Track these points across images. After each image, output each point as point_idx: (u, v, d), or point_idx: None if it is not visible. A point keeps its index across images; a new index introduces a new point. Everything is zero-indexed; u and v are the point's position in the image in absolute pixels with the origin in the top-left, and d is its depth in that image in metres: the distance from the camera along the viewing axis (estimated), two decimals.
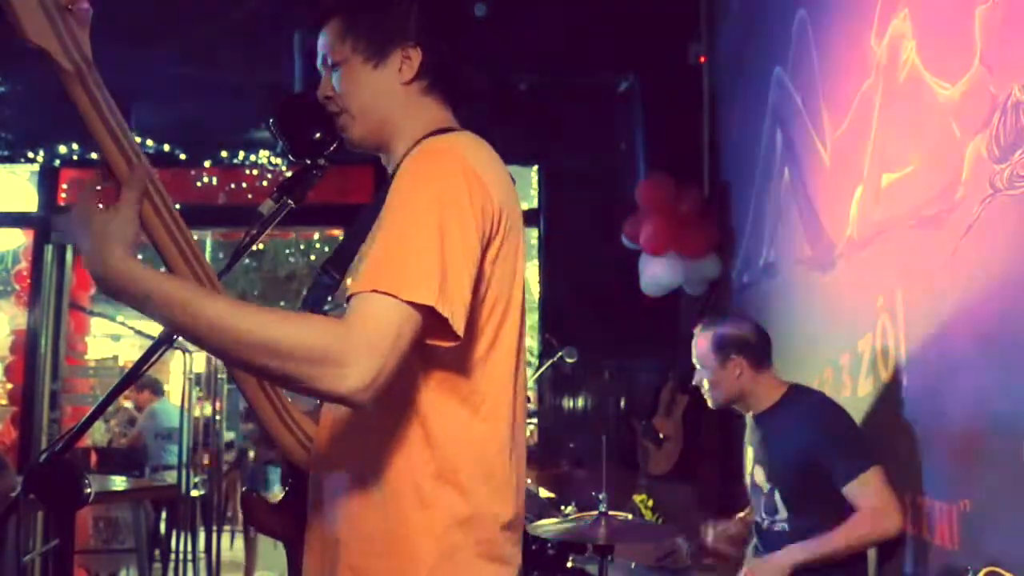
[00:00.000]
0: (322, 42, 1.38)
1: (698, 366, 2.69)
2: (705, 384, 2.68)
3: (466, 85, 1.40)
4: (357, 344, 1.05)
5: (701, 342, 2.67)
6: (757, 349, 2.62)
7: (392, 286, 1.08)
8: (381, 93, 1.34)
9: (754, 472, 2.61)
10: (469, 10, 4.63)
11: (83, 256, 1.13)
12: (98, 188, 1.16)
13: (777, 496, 2.49)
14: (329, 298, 1.34)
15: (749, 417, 2.69)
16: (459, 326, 1.12)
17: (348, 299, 1.10)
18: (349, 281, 1.13)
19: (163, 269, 1.19)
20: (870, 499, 2.31)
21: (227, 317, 1.06)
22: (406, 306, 1.08)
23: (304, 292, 1.39)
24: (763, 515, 2.55)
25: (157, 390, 6.84)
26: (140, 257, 1.13)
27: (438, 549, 1.19)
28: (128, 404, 7.29)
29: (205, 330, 1.07)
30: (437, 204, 1.14)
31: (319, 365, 1.04)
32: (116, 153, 1.13)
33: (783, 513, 2.48)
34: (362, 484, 1.23)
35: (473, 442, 1.23)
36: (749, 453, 2.67)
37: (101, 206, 1.13)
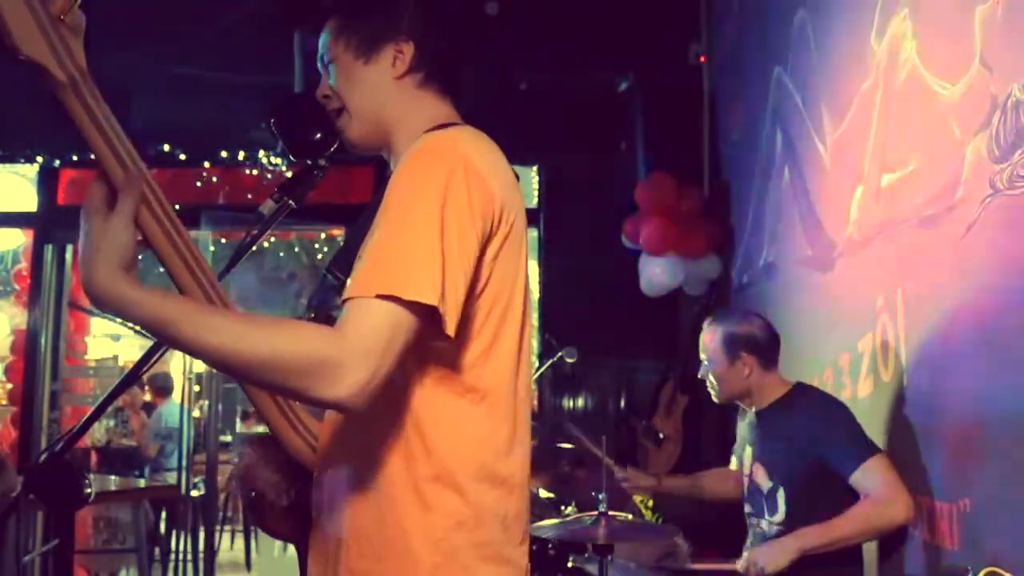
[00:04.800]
0: (320, 42, 1.40)
1: (705, 360, 2.69)
2: (711, 378, 2.68)
3: (462, 77, 1.40)
4: (351, 350, 1.05)
5: (709, 337, 2.67)
6: (766, 348, 2.62)
7: (394, 287, 1.08)
8: (374, 89, 1.35)
9: (753, 471, 2.60)
10: (465, 4, 4.61)
11: (79, 270, 1.12)
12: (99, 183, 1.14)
13: (779, 495, 2.48)
14: (336, 299, 1.34)
15: (750, 414, 2.69)
16: (452, 326, 1.12)
17: (344, 302, 1.10)
18: (349, 282, 1.12)
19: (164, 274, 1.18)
20: (877, 485, 2.29)
21: (216, 334, 1.06)
22: (402, 308, 1.08)
23: (311, 293, 1.39)
24: (762, 516, 2.55)
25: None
26: (140, 257, 1.12)
27: (438, 552, 1.18)
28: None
29: (198, 348, 1.08)
30: (437, 201, 1.13)
31: (312, 375, 1.05)
32: (113, 162, 1.11)
33: (783, 513, 2.47)
34: (361, 486, 1.22)
35: (472, 443, 1.22)
36: (748, 452, 2.66)
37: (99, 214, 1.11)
